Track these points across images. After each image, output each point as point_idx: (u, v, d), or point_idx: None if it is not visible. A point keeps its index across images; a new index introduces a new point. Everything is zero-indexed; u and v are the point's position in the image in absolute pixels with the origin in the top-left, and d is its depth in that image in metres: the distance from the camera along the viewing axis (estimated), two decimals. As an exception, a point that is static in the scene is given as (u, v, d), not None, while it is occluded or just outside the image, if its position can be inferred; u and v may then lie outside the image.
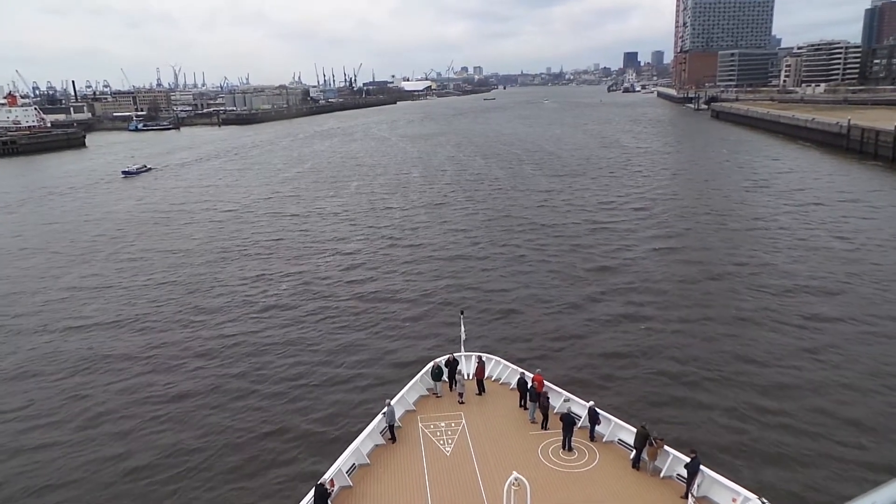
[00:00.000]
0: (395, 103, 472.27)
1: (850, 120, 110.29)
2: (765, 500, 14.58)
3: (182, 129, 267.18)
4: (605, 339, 36.04)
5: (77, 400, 31.16)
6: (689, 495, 16.33)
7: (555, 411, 20.85)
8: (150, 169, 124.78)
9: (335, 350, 35.88)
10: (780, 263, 47.51)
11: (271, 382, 32.12)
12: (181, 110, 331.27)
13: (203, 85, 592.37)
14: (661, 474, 17.69)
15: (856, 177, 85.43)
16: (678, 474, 17.42)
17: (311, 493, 16.13)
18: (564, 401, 21.36)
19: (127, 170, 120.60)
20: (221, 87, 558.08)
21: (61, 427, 28.75)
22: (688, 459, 16.87)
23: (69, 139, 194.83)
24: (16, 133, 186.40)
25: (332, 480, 16.96)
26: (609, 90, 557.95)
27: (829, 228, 57.24)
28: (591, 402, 20.15)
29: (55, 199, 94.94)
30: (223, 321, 40.89)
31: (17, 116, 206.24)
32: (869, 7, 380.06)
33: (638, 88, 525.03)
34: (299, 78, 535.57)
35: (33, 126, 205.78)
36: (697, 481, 16.53)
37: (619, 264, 49.54)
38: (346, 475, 17.84)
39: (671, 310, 39.72)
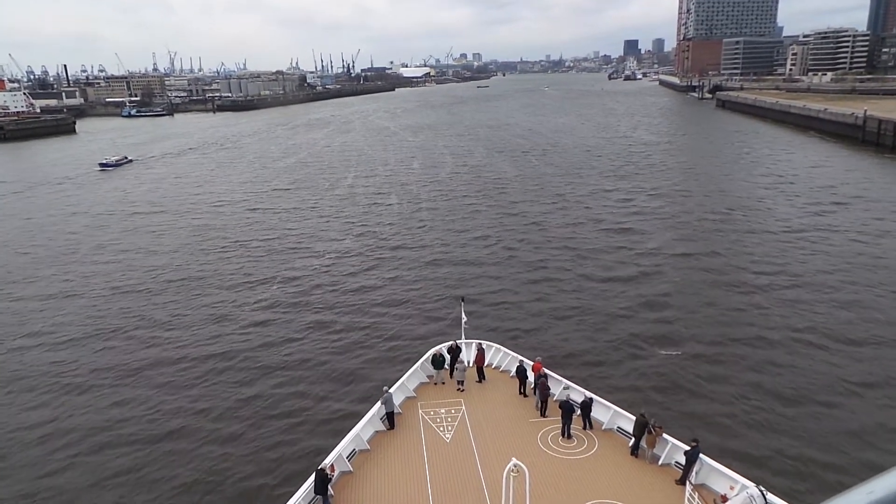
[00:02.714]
0: (393, 90, 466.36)
1: (866, 111, 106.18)
2: (762, 489, 13.98)
3: (176, 115, 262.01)
4: (608, 329, 35.50)
5: (50, 439, 27.26)
6: (688, 482, 16.30)
7: (554, 399, 20.79)
8: (130, 161, 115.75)
9: (334, 338, 35.37)
10: (806, 272, 43.72)
11: (269, 370, 31.87)
12: (175, 96, 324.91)
13: (200, 70, 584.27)
14: (660, 462, 17.76)
15: (877, 171, 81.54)
16: (676, 462, 17.42)
17: (312, 478, 16.24)
18: (563, 388, 21.31)
19: (104, 162, 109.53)
20: (218, 73, 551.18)
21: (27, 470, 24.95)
22: (687, 447, 16.91)
23: (58, 125, 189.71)
24: (3, 119, 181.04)
25: (332, 465, 17.02)
26: (610, 78, 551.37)
27: (857, 231, 53.42)
28: (590, 394, 20.20)
29: (11, 199, 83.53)
30: (218, 310, 38.95)
31: (4, 101, 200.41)
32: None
33: (639, 76, 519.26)
34: (297, 64, 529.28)
35: (22, 112, 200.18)
36: (696, 469, 16.53)
37: (627, 262, 46.76)
38: (347, 460, 18.00)
39: (682, 308, 37.82)
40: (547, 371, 22.04)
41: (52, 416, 28.29)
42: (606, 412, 19.90)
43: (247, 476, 23.45)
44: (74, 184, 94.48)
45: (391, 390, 20.80)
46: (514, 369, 23.02)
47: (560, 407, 19.42)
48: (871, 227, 54.06)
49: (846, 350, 31.99)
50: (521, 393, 22.06)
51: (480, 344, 24.65)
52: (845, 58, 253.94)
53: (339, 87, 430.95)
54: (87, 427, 27.21)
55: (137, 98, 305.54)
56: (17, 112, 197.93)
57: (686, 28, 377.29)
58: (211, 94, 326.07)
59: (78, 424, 27.45)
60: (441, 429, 20.02)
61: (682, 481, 16.63)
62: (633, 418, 18.65)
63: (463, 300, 26.45)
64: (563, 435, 19.24)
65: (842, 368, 30.11)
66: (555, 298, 40.39)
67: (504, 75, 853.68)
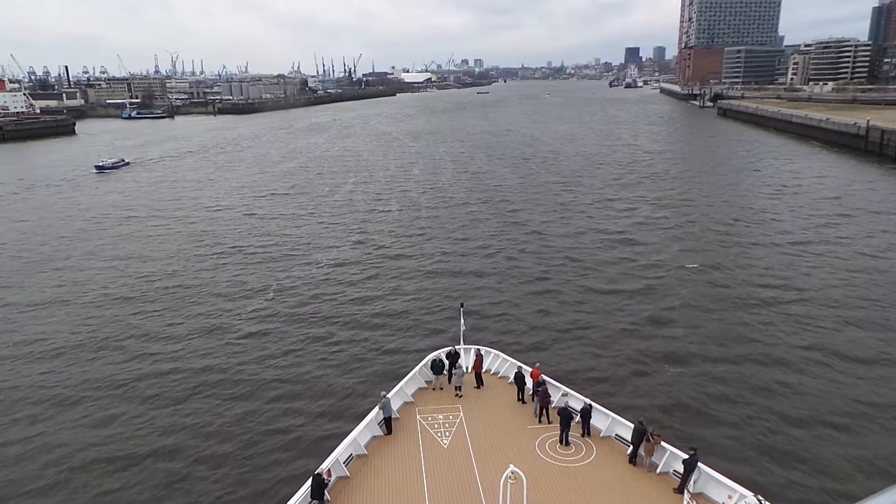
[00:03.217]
0: (394, 95, 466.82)
1: (869, 121, 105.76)
2: (761, 498, 13.75)
3: (176, 117, 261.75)
4: (611, 344, 34.98)
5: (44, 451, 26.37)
6: (686, 491, 16.22)
7: (552, 405, 20.63)
8: (127, 163, 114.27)
9: (332, 350, 34.90)
10: (812, 286, 42.86)
11: (264, 384, 31.29)
12: (176, 98, 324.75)
13: (201, 73, 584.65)
14: (658, 470, 17.64)
15: (881, 182, 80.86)
16: (675, 470, 17.29)
17: (308, 483, 16.10)
18: (562, 395, 21.17)
19: (101, 164, 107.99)
20: (219, 76, 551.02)
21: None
22: (685, 456, 16.76)
23: (58, 126, 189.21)
24: (3, 119, 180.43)
25: (329, 470, 16.94)
26: (611, 85, 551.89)
27: (862, 244, 52.69)
28: (589, 401, 20.02)
29: (7, 200, 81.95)
30: (213, 320, 38.13)
31: (4, 102, 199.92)
32: (876, 5, 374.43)
33: (640, 84, 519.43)
34: (298, 68, 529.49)
35: (21, 112, 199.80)
36: (694, 478, 16.41)
37: (631, 275, 45.80)
38: (344, 466, 17.83)
39: (688, 323, 36.79)
40: (545, 378, 21.81)
41: (38, 430, 27.40)
42: (605, 419, 19.80)
43: (238, 499, 22.58)
44: (70, 186, 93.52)
45: (389, 395, 20.63)
46: (512, 375, 22.88)
47: (559, 414, 19.30)
48: (876, 240, 53.34)
49: (855, 369, 31.18)
50: (519, 399, 21.89)
51: (479, 350, 24.40)
52: (847, 68, 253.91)
53: (340, 91, 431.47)
54: (74, 443, 26.32)
55: (138, 100, 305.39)
56: (17, 113, 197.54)
57: (688, 36, 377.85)
58: (212, 97, 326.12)
59: (64, 440, 26.54)
60: (439, 435, 19.87)
61: (680, 490, 16.52)
62: (632, 426, 18.55)
63: (462, 306, 26.35)
64: (561, 442, 19.10)
65: (850, 388, 29.34)
66: (557, 311, 39.58)
67: (505, 81, 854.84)
